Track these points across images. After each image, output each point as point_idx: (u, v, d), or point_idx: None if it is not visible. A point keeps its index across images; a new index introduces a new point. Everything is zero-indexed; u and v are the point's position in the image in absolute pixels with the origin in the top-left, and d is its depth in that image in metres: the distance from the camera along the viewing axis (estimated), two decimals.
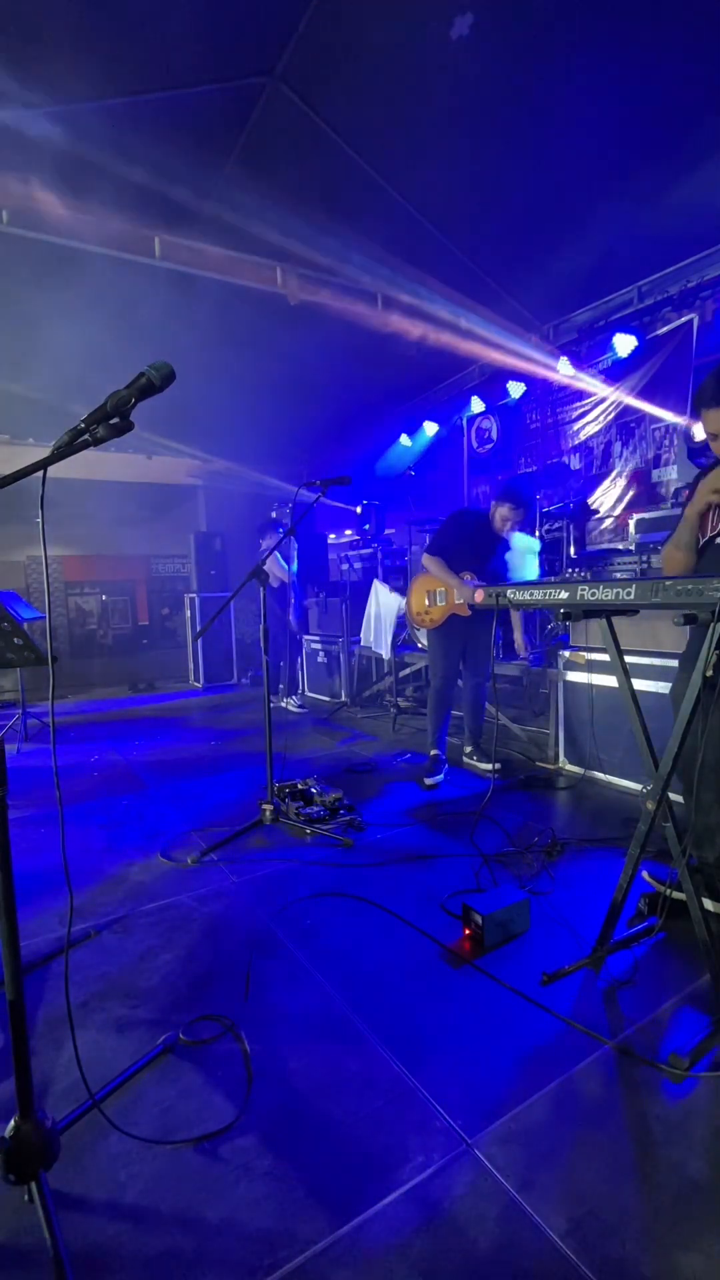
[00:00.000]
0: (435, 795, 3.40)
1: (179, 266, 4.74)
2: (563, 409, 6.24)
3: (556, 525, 5.09)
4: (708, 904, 1.85)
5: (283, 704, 5.98)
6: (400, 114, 3.90)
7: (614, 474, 5.69)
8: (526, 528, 4.11)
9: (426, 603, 3.80)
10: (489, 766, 3.72)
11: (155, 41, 3.29)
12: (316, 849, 2.77)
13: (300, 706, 5.94)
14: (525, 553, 3.92)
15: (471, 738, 3.89)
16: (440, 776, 3.59)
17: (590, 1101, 1.40)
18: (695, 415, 2.04)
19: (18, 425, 7.63)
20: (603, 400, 5.77)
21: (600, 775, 3.46)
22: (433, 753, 3.71)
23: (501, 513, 3.61)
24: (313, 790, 3.20)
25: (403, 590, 5.25)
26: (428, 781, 3.53)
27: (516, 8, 3.22)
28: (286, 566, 6.04)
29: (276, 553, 5.60)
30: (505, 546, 3.74)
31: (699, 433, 4.80)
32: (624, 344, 5.27)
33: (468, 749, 3.90)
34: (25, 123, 3.51)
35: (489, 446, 7.26)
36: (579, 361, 5.81)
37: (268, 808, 2.96)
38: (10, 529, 10.95)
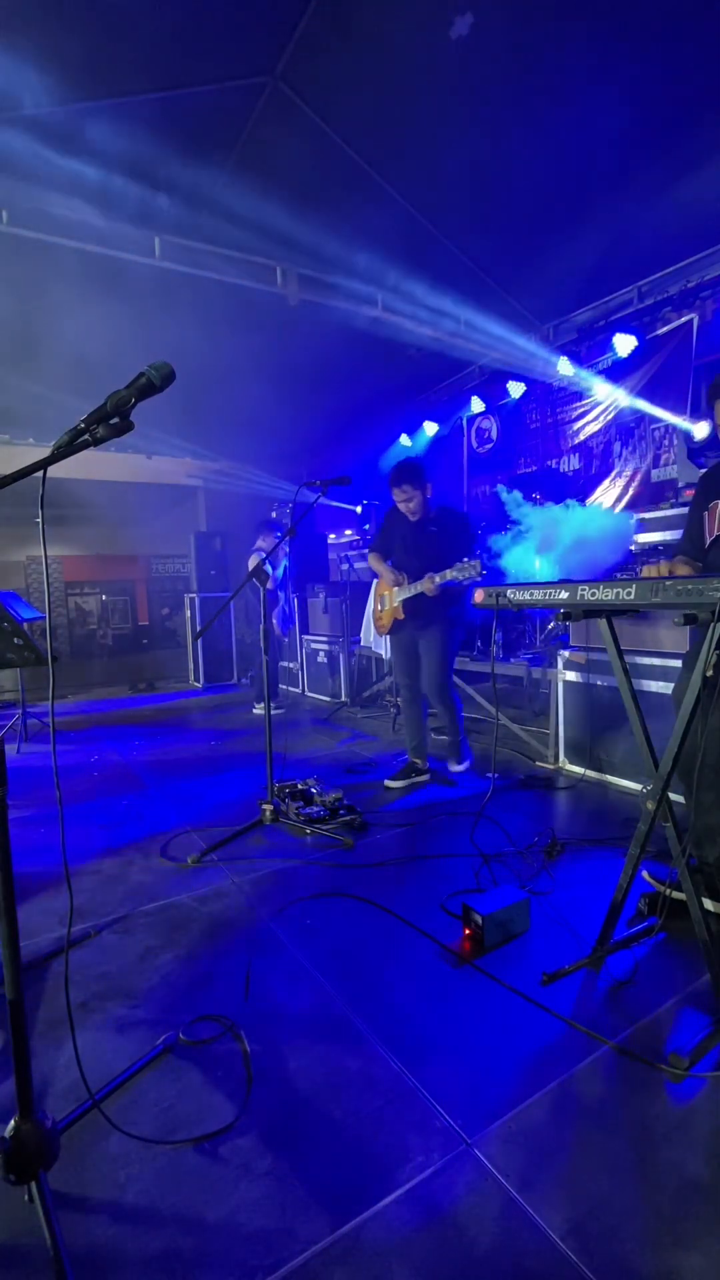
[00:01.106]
0: (435, 795, 3.39)
1: (179, 266, 4.74)
2: (563, 409, 6.24)
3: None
4: (708, 904, 1.85)
5: (255, 710, 5.86)
6: (400, 114, 3.90)
7: (614, 474, 5.69)
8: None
9: (378, 607, 3.68)
10: (459, 768, 3.64)
11: (156, 41, 3.30)
12: (316, 849, 2.77)
13: (278, 708, 5.85)
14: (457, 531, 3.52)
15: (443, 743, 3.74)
16: (402, 782, 3.48)
17: (590, 1102, 1.40)
18: (706, 409, 2.05)
19: (17, 425, 7.62)
20: (603, 400, 5.77)
21: (600, 775, 3.46)
22: (413, 760, 3.61)
23: (395, 498, 3.41)
24: (313, 790, 3.20)
25: None
26: (387, 782, 3.48)
27: (516, 8, 3.22)
28: (271, 571, 5.91)
29: (260, 554, 5.58)
30: (438, 530, 3.41)
31: (699, 432, 4.81)
32: (624, 344, 5.27)
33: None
34: (26, 122, 3.51)
35: (489, 446, 7.26)
36: (579, 361, 5.81)
37: (268, 808, 2.96)
38: (10, 529, 10.96)
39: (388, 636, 3.67)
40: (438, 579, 3.20)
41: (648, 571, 2.01)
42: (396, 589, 3.46)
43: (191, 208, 4.36)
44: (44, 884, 2.52)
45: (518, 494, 5.19)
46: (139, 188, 4.09)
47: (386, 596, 3.56)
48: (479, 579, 3.06)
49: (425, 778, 3.59)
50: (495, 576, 5.14)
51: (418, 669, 3.56)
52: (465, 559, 3.14)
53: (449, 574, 3.17)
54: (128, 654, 9.35)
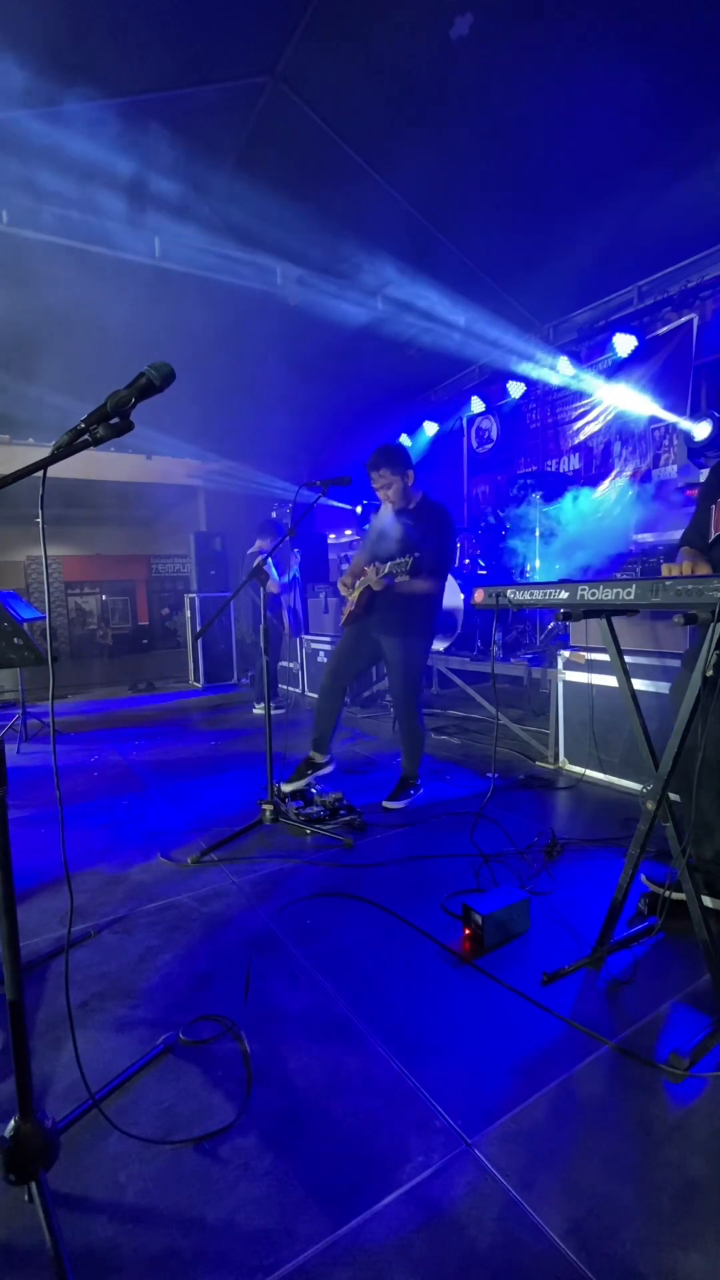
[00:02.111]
0: (435, 795, 3.39)
1: (179, 266, 4.74)
2: (563, 409, 6.25)
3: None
4: (707, 901, 1.85)
5: (255, 710, 5.82)
6: (400, 114, 3.90)
7: (614, 474, 5.69)
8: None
9: (343, 593, 3.47)
10: (394, 805, 3.20)
11: (155, 41, 3.30)
12: (316, 849, 2.77)
13: (278, 708, 5.84)
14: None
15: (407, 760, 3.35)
16: (299, 782, 3.26)
17: (590, 1102, 1.40)
18: (710, 408, 2.05)
19: (18, 425, 7.63)
20: (603, 400, 5.77)
21: (600, 775, 3.46)
22: (311, 754, 3.37)
23: (374, 485, 3.16)
24: (313, 790, 3.20)
25: None
26: (385, 804, 3.20)
27: (516, 8, 3.22)
28: (277, 576, 5.85)
29: (262, 555, 5.59)
30: (414, 523, 3.14)
31: (699, 432, 4.80)
32: (624, 344, 5.28)
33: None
34: (27, 122, 3.51)
35: (489, 446, 7.27)
36: (579, 361, 5.82)
37: (268, 808, 2.96)
38: (10, 529, 10.97)
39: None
40: (384, 570, 2.99)
41: (669, 571, 1.98)
42: (361, 579, 3.27)
43: (191, 207, 4.36)
44: (44, 884, 2.52)
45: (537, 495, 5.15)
46: (138, 187, 4.09)
47: (351, 583, 3.38)
48: (408, 578, 2.90)
49: (327, 769, 3.40)
50: (499, 576, 5.15)
51: (348, 663, 3.32)
52: (412, 554, 2.88)
53: (385, 568, 2.98)
54: (128, 654, 9.36)
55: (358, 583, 3.28)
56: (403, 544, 3.08)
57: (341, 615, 3.45)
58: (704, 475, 2.30)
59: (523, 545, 5.15)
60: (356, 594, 3.26)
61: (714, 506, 2.11)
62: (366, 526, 7.42)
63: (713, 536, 2.12)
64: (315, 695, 6.46)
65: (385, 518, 3.30)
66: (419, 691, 3.30)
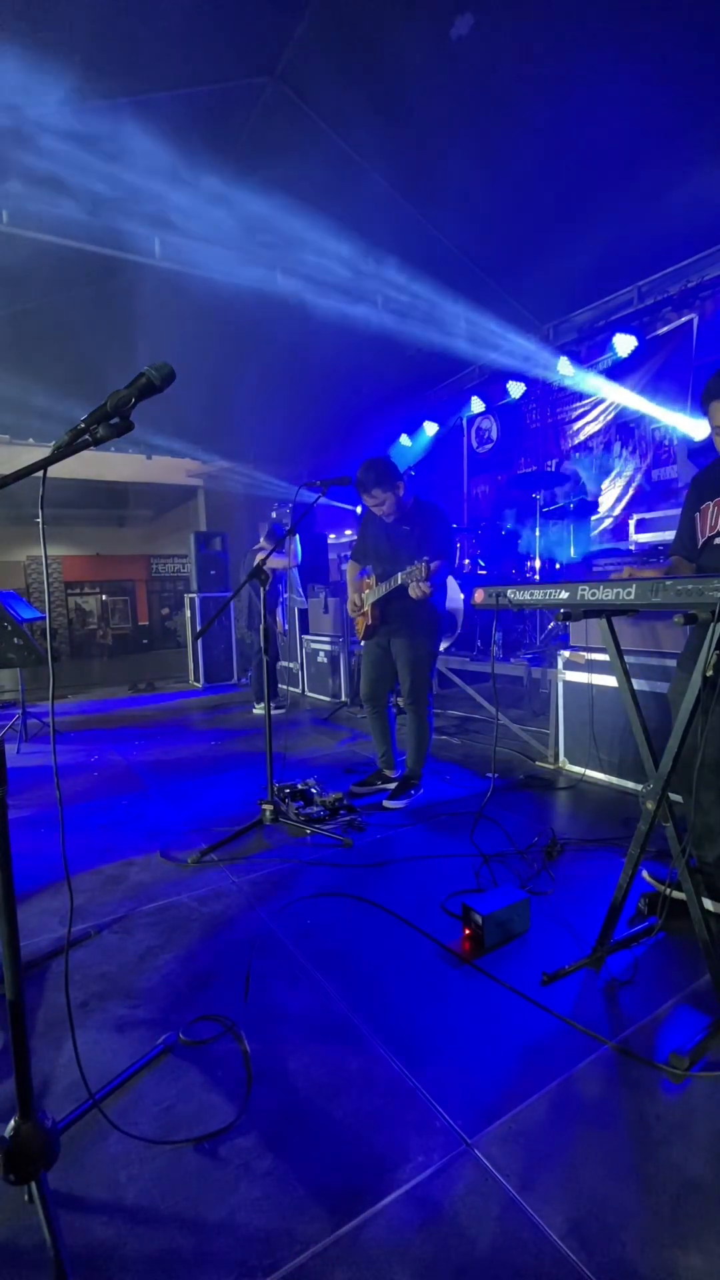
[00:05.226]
0: (435, 795, 3.39)
1: (179, 266, 4.74)
2: (563, 409, 6.25)
3: (557, 525, 5.11)
4: (708, 904, 1.85)
5: (255, 710, 5.79)
6: (400, 114, 3.91)
7: (614, 474, 5.69)
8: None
9: (353, 614, 3.50)
10: (395, 804, 3.22)
11: (155, 41, 3.30)
12: (316, 849, 2.77)
13: (278, 708, 5.83)
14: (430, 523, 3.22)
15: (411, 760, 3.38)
16: (398, 792, 3.25)
17: (590, 1102, 1.40)
18: (701, 409, 2.05)
19: (17, 425, 7.62)
20: (603, 400, 5.77)
21: (600, 775, 3.46)
22: (382, 770, 3.48)
23: (367, 503, 3.20)
24: (313, 790, 3.20)
25: None
26: (385, 803, 3.22)
27: (516, 9, 3.22)
28: (300, 552, 5.96)
29: (294, 539, 5.62)
30: (411, 529, 3.16)
31: (699, 432, 4.81)
32: (624, 344, 5.28)
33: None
34: (28, 122, 3.51)
35: (489, 446, 7.27)
36: (579, 361, 5.82)
37: (268, 808, 2.96)
38: (10, 529, 10.97)
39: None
40: (398, 581, 3.03)
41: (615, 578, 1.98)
42: (367, 592, 3.31)
43: (191, 207, 4.36)
44: (44, 884, 2.52)
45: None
46: (137, 187, 4.09)
47: (361, 601, 3.41)
48: (425, 580, 2.91)
49: (394, 785, 3.43)
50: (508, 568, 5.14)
51: (381, 678, 3.38)
52: (423, 559, 2.90)
53: (398, 579, 3.01)
54: (128, 654, 9.36)
55: (365, 596, 3.31)
56: (410, 550, 3.08)
57: (357, 631, 3.49)
58: (691, 481, 2.29)
59: (523, 545, 5.15)
60: (368, 607, 3.30)
61: (697, 514, 2.12)
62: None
63: (702, 540, 2.12)
64: (315, 695, 6.47)
65: (380, 529, 3.29)
66: (430, 689, 3.33)
